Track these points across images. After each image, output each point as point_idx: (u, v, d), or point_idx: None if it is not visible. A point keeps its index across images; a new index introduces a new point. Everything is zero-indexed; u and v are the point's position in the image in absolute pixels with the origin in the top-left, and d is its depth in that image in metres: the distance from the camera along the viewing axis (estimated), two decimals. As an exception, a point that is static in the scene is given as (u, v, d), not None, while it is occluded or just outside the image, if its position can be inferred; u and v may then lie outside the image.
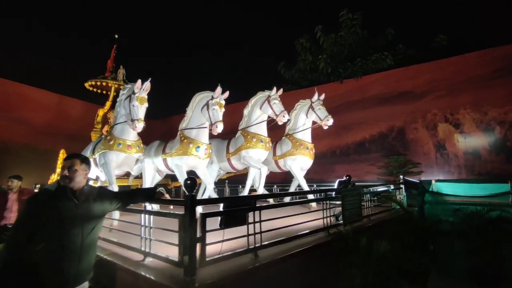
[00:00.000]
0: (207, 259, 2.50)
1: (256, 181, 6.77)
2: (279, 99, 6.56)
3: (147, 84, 5.08)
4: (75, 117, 15.01)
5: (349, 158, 13.74)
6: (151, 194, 2.76)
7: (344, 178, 4.62)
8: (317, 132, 14.78)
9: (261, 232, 2.94)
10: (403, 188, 6.51)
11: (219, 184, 11.07)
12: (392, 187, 6.50)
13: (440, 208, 6.00)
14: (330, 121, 6.71)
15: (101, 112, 11.40)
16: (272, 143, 7.50)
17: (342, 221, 4.13)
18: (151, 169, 6.75)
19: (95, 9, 17.09)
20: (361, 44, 15.16)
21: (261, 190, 6.53)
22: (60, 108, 15.05)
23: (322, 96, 7.16)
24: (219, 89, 5.62)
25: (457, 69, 11.56)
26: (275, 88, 6.56)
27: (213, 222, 2.79)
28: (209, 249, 2.62)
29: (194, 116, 5.97)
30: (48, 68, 14.87)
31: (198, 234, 2.41)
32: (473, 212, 5.22)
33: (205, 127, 5.73)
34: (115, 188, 5.00)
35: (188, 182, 2.45)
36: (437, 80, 11.95)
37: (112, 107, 11.19)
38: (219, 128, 5.48)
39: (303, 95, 15.57)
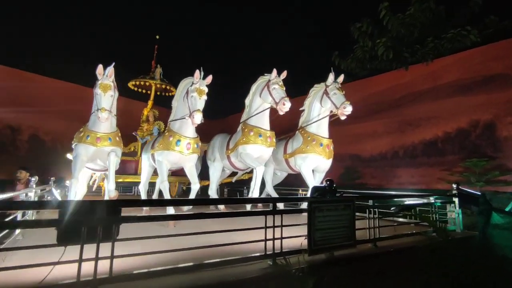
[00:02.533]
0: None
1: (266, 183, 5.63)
2: (280, 83, 5.35)
3: (110, 70, 4.60)
4: (138, 117, 16.20)
5: (416, 161, 11.21)
6: None
7: (324, 184, 3.21)
8: (374, 128, 12.66)
9: (112, 257, 1.95)
10: (457, 202, 4.49)
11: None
12: (432, 199, 4.50)
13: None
14: (348, 109, 5.13)
15: (145, 111, 11.79)
16: (285, 138, 6.31)
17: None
18: (147, 166, 6.37)
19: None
20: (435, 22, 12.32)
21: (256, 194, 5.41)
22: (125, 109, 16.29)
23: (340, 78, 5.61)
24: (197, 73, 4.81)
25: None
26: (275, 71, 5.37)
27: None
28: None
29: (178, 106, 5.31)
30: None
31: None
32: None
33: (184, 118, 4.96)
34: (74, 182, 4.68)
35: None
36: (545, 56, 8.66)
37: (154, 105, 11.58)
38: (196, 118, 4.66)
39: (360, 88, 13.63)
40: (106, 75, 4.59)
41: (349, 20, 14.00)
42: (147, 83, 11.30)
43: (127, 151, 9.91)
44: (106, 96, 4.57)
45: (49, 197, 5.63)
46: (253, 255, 2.59)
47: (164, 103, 13.61)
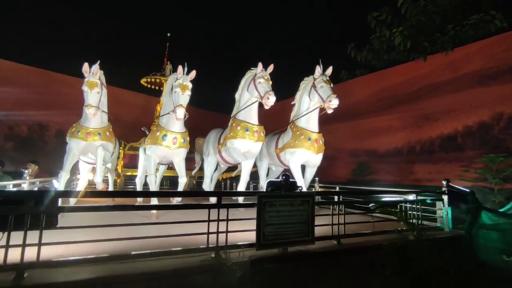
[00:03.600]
0: None
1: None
2: (266, 77, 5.29)
3: (95, 68, 4.81)
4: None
5: (433, 157, 10.59)
6: None
7: (280, 179, 3.14)
8: (390, 123, 12.08)
9: (40, 244, 2.06)
10: (446, 200, 4.18)
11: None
12: (412, 197, 4.19)
13: (505, 239, 3.56)
14: (334, 102, 4.95)
15: (158, 107, 12.16)
16: (279, 133, 6.26)
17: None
18: (142, 160, 6.61)
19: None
20: (460, 8, 11.48)
21: (242, 187, 5.43)
22: (146, 106, 16.92)
23: (329, 71, 5.42)
24: (180, 69, 4.90)
25: None
26: (260, 64, 5.32)
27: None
28: None
29: (166, 102, 5.46)
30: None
31: None
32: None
33: (169, 114, 5.09)
34: (64, 175, 4.99)
35: None
36: None
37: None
38: (179, 113, 4.77)
39: (375, 80, 13.02)
40: (92, 73, 4.82)
41: (365, 10, 13.45)
42: (158, 80, 11.67)
43: (137, 146, 10.36)
44: (92, 93, 4.81)
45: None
46: (188, 247, 2.63)
47: (176, 99, 13.96)
